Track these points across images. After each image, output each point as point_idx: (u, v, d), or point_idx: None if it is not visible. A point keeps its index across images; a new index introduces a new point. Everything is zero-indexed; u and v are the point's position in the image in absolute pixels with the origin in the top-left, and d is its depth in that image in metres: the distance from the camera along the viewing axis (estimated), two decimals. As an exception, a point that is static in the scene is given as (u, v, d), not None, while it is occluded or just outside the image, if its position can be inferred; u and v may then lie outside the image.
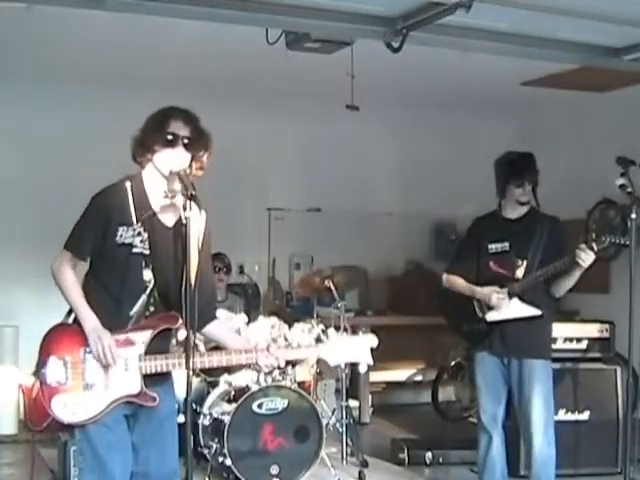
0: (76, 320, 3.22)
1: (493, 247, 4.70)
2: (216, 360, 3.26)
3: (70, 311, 3.26)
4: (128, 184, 3.24)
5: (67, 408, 3.12)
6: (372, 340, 3.39)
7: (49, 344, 3.19)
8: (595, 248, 4.29)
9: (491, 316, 4.65)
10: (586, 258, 4.30)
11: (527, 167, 4.69)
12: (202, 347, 4.47)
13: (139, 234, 3.20)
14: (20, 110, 7.33)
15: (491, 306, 4.64)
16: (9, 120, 7.32)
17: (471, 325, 4.76)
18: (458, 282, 4.79)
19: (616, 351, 5.87)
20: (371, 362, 3.38)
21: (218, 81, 7.38)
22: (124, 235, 3.18)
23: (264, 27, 5.21)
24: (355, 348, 3.37)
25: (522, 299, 4.59)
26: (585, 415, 5.66)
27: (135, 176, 3.29)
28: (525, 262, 4.61)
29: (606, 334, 5.85)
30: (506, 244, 4.68)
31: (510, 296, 4.59)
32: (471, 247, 4.81)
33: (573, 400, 5.61)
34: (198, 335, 3.27)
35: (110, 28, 5.67)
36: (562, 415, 5.57)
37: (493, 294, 4.61)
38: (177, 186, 3.21)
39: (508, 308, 4.59)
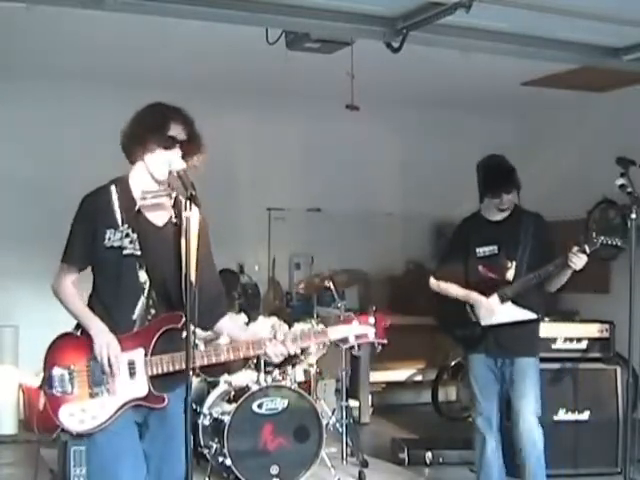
0: (84, 331, 3.18)
1: (481, 251, 4.69)
2: (223, 355, 3.21)
3: (78, 325, 3.22)
4: (113, 187, 3.21)
5: (74, 417, 3.10)
6: (384, 319, 3.30)
7: (53, 354, 3.17)
8: (587, 250, 4.31)
9: (486, 320, 4.65)
10: (578, 261, 4.33)
11: (503, 183, 4.65)
12: (202, 347, 4.46)
13: (127, 235, 3.16)
14: (20, 109, 7.33)
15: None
16: (9, 119, 7.33)
17: (464, 329, 4.75)
18: (450, 287, 4.77)
19: (616, 351, 5.86)
20: (385, 341, 3.29)
21: (218, 81, 7.38)
22: (112, 238, 3.14)
23: (264, 27, 5.21)
24: (367, 326, 3.27)
25: (515, 302, 4.60)
26: (585, 415, 5.65)
27: (121, 178, 3.25)
28: (514, 263, 4.61)
29: (606, 334, 5.84)
30: (494, 247, 4.67)
31: (503, 300, 4.59)
32: (459, 249, 4.79)
33: (573, 400, 5.61)
34: (198, 334, 3.24)
35: (110, 28, 5.67)
36: (562, 415, 5.58)
37: (482, 307, 4.61)
38: (176, 184, 3.17)
39: (502, 312, 4.60)
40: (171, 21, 4.73)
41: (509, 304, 4.60)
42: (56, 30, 5.91)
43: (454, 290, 4.74)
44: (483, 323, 4.65)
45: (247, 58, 6.48)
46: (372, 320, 3.30)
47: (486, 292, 4.63)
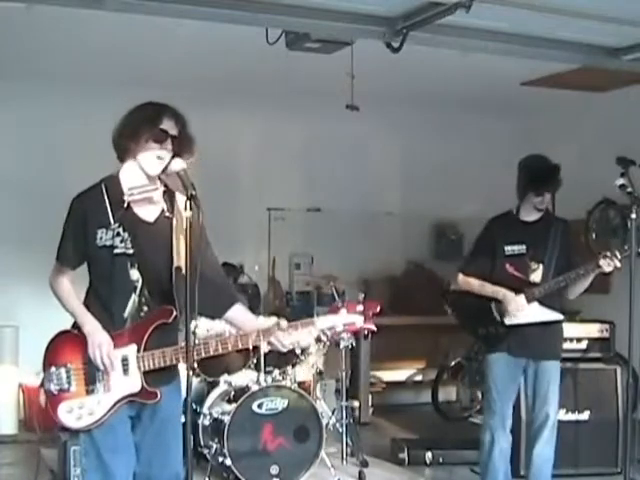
0: (81, 329, 3.19)
1: (510, 249, 4.70)
2: (212, 348, 3.21)
3: (75, 323, 3.23)
4: (103, 185, 3.21)
5: (72, 413, 3.13)
6: (373, 305, 3.34)
7: (51, 353, 3.20)
8: (619, 256, 4.34)
9: (510, 319, 4.64)
10: (611, 265, 4.36)
11: (549, 180, 4.67)
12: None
13: (118, 234, 3.15)
14: (19, 109, 7.32)
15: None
16: (8, 119, 7.32)
17: (487, 327, 4.75)
18: (477, 283, 4.76)
19: (616, 351, 5.87)
20: (374, 328, 3.32)
21: (218, 81, 7.38)
22: (104, 237, 3.15)
23: (264, 27, 5.21)
24: (355, 315, 3.31)
25: (541, 303, 4.60)
26: (585, 415, 5.65)
27: (112, 176, 3.24)
28: (541, 266, 4.62)
29: (606, 334, 5.84)
30: (523, 247, 4.68)
31: (529, 300, 4.60)
32: (487, 247, 4.79)
33: (573, 400, 5.60)
34: (198, 333, 3.25)
35: (109, 28, 5.67)
36: (562, 415, 5.55)
37: (512, 302, 4.60)
38: (176, 183, 3.16)
39: (528, 312, 4.60)
40: (171, 21, 4.73)
41: (535, 304, 4.61)
42: (55, 30, 5.91)
43: (482, 286, 4.73)
44: (508, 322, 4.65)
45: (247, 58, 6.48)
46: (360, 308, 3.35)
47: (512, 291, 4.64)
